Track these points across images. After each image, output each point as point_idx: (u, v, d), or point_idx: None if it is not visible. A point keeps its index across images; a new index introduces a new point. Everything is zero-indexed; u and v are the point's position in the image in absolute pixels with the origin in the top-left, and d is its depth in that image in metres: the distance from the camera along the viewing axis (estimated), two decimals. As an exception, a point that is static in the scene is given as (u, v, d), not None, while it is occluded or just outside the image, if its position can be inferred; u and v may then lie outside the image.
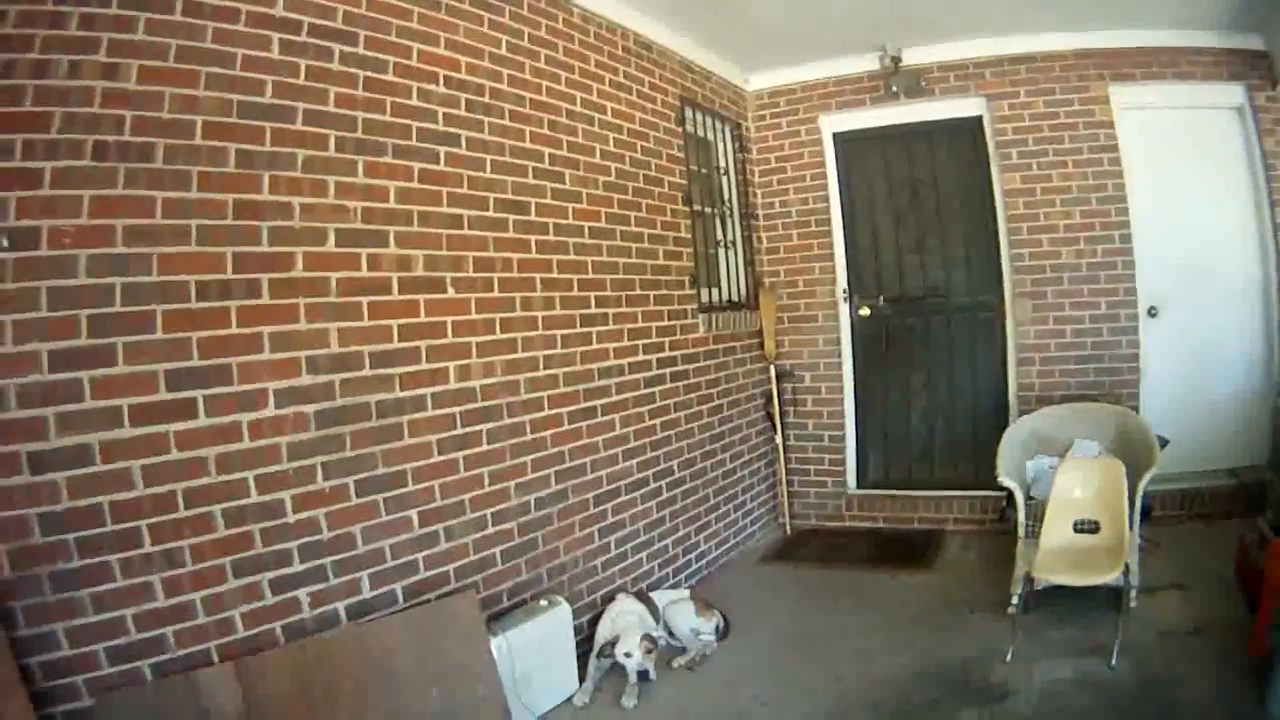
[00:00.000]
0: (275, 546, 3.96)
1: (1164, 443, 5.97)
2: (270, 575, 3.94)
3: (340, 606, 4.22)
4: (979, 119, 7.89)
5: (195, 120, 3.74)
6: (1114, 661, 4.85)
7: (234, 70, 3.88)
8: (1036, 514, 5.83)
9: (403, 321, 4.55)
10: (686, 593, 6.19)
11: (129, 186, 3.54)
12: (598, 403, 5.95)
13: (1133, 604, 5.39)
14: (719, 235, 7.95)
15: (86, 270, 3.41)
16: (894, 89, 7.90)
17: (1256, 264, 7.47)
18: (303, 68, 4.15)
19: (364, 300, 4.36)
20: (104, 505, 3.44)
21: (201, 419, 3.71)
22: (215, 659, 3.74)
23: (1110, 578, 4.99)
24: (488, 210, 5.12)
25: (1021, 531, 5.94)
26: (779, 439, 8.46)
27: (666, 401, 6.75)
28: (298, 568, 4.04)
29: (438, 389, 4.73)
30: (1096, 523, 5.43)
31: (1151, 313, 7.57)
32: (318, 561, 4.12)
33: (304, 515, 4.06)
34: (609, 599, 5.74)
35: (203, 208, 3.75)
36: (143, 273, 3.56)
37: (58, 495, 3.34)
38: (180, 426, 3.65)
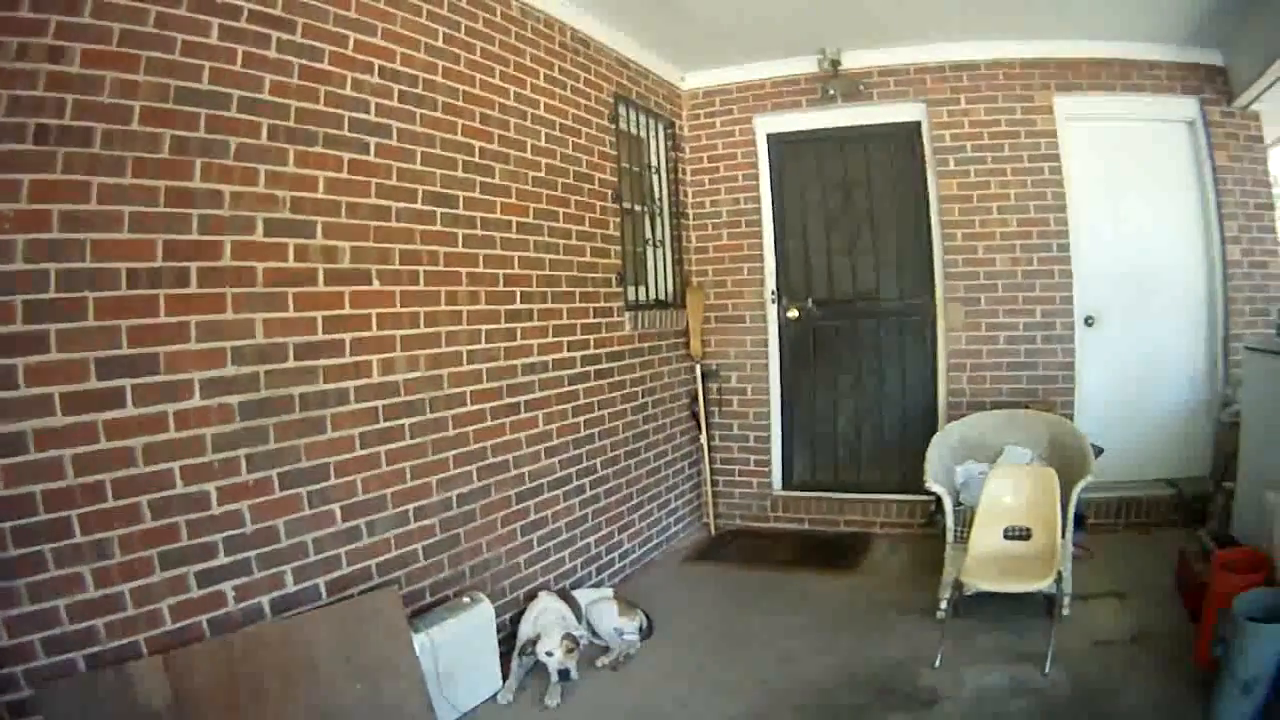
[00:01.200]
0: (201, 539, 4.00)
1: (1098, 451, 6.13)
2: (196, 568, 3.99)
3: (265, 601, 4.28)
4: (917, 124, 8.08)
5: (134, 105, 3.77)
6: (1047, 669, 4.98)
7: (173, 55, 3.92)
8: (965, 519, 5.98)
9: (328, 313, 4.62)
10: (610, 592, 6.32)
11: (67, 171, 3.56)
12: (521, 399, 6.06)
13: (1065, 611, 5.56)
14: (648, 233, 8.08)
15: (23, 255, 3.45)
16: (831, 92, 8.06)
17: (1202, 278, 7.74)
18: (240, 54, 4.20)
19: (290, 291, 4.42)
20: (37, 494, 3.46)
21: (130, 408, 3.75)
22: (144, 651, 3.79)
23: (1042, 585, 5.11)
24: (416, 203, 5.21)
25: (950, 536, 6.07)
26: (704, 438, 8.62)
27: (591, 399, 6.89)
28: (223, 560, 4.09)
29: (361, 382, 4.81)
30: (1028, 529, 5.59)
31: (1089, 322, 7.81)
32: (242, 555, 4.18)
33: (228, 508, 4.12)
34: (531, 597, 5.84)
35: (136, 194, 3.78)
36: (76, 259, 3.58)
37: None
38: (109, 415, 3.68)
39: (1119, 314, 7.87)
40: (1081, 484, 5.62)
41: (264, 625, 4.23)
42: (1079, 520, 6.08)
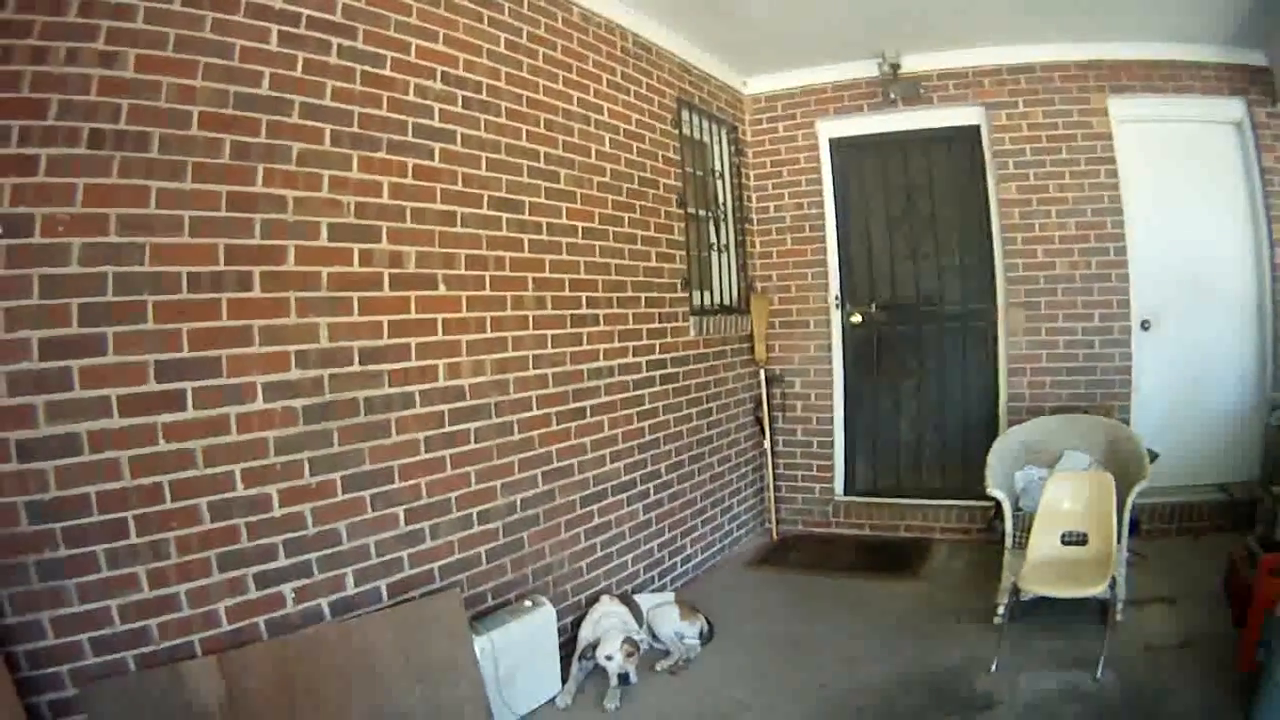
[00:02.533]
0: (260, 541, 3.96)
1: (1154, 456, 5.97)
2: (255, 569, 3.94)
3: (324, 602, 4.23)
4: (976, 128, 7.91)
5: (192, 111, 3.74)
6: (1099, 674, 4.87)
7: (232, 61, 3.88)
8: (1024, 525, 5.82)
9: (393, 318, 4.56)
10: (671, 596, 6.22)
11: (124, 175, 3.53)
12: (586, 404, 5.97)
13: (1119, 617, 5.43)
14: (712, 238, 7.98)
15: (79, 259, 3.41)
16: (892, 96, 7.92)
17: (1252, 279, 7.52)
18: (300, 60, 4.15)
19: (354, 295, 4.37)
20: (91, 495, 3.44)
21: (190, 411, 3.72)
22: (199, 652, 3.74)
23: (1097, 590, 5.00)
24: (481, 208, 5.13)
25: (1009, 542, 5.94)
26: (767, 444, 8.50)
27: (655, 404, 6.77)
28: (283, 562, 4.05)
29: (426, 386, 4.74)
30: (1084, 535, 5.46)
31: (1145, 326, 7.60)
32: (303, 557, 4.13)
33: (290, 510, 4.07)
34: (593, 601, 5.76)
35: (197, 199, 3.75)
36: (135, 262, 3.56)
37: (46, 484, 3.34)
38: (169, 418, 3.65)
39: (1173, 317, 7.68)
40: (1137, 489, 5.53)
41: (323, 627, 4.18)
42: (1134, 525, 5.95)
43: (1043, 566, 5.32)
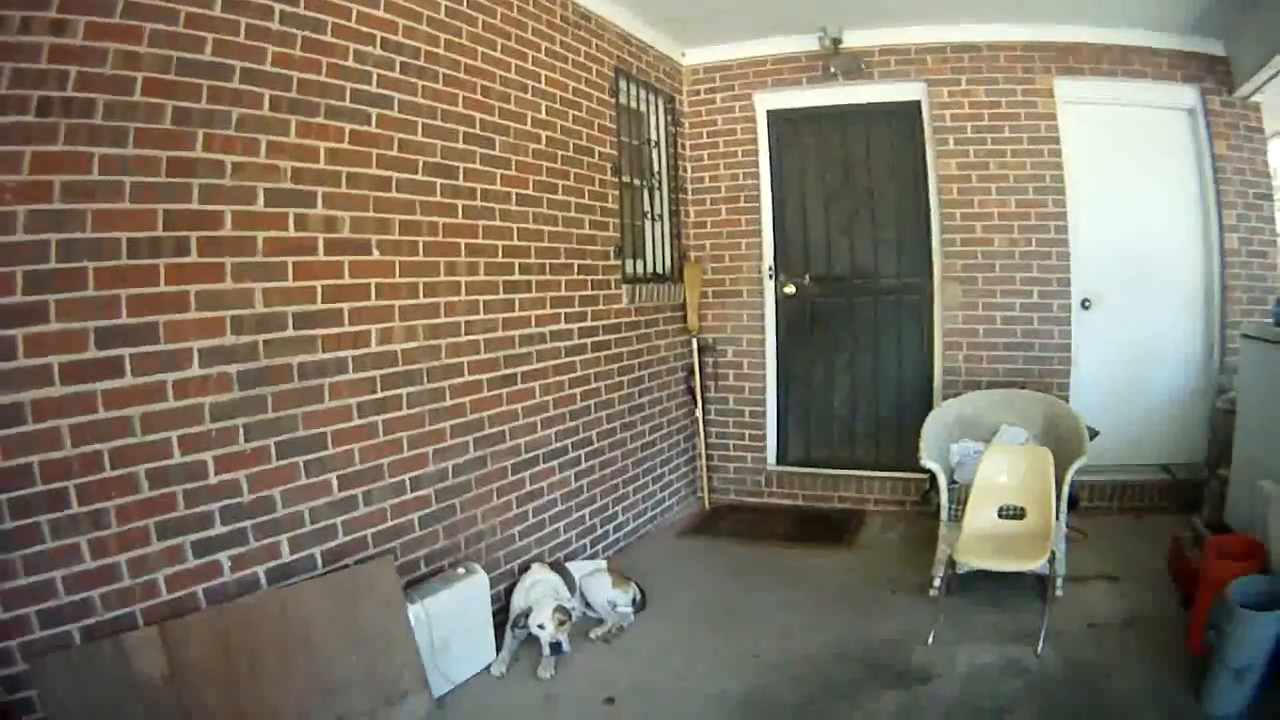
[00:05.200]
0: (197, 509, 4.00)
1: (1094, 434, 6.13)
2: (192, 538, 3.98)
3: (260, 571, 4.28)
4: (917, 103, 8.02)
5: (136, 77, 3.74)
6: (1040, 649, 5.00)
7: (176, 27, 3.87)
8: (960, 497, 5.94)
9: (327, 283, 4.60)
10: (603, 564, 6.29)
11: (69, 142, 3.53)
12: (518, 370, 6.04)
13: (1059, 592, 5.58)
14: (646, 207, 8.03)
15: (24, 226, 3.43)
16: (832, 70, 7.97)
17: (1200, 265, 7.72)
18: (243, 26, 4.15)
19: (289, 260, 4.40)
20: (34, 465, 3.47)
21: (128, 378, 3.74)
22: (140, 622, 3.79)
23: (1035, 565, 5.14)
24: (417, 173, 5.17)
25: (944, 514, 6.03)
26: (699, 412, 8.59)
27: (587, 371, 6.86)
28: (219, 530, 4.09)
29: (359, 352, 4.79)
30: (1022, 509, 5.58)
31: (1085, 304, 7.79)
32: (238, 524, 4.17)
33: (225, 477, 4.11)
34: (525, 568, 5.83)
35: (137, 164, 3.75)
36: (77, 229, 3.57)
37: None
38: (108, 385, 3.67)
39: (1117, 298, 7.84)
40: (1076, 465, 5.61)
41: (260, 595, 4.23)
42: (1072, 502, 6.06)
43: (979, 539, 5.44)
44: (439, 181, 5.34)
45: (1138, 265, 7.81)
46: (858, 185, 8.35)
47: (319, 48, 4.55)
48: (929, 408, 7.45)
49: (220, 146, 4.09)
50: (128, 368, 3.75)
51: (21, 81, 3.42)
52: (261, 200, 4.28)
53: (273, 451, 4.34)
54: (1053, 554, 5.21)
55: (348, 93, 4.72)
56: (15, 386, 3.42)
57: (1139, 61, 7.56)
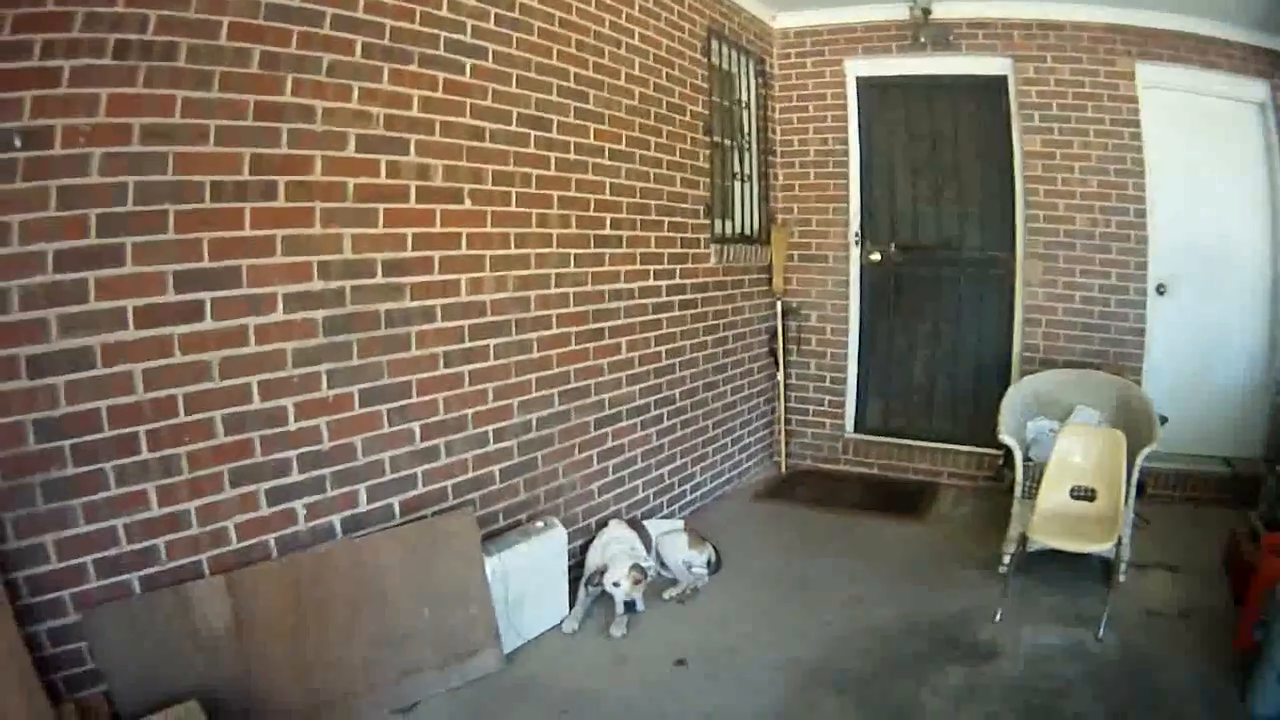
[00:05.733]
0: (274, 455, 3.87)
1: (1163, 420, 5.83)
2: (267, 485, 3.86)
3: (336, 520, 4.13)
4: (1004, 78, 7.65)
5: (222, 21, 3.59)
6: (1101, 634, 4.79)
7: None
8: (1033, 475, 5.73)
9: (418, 230, 4.41)
10: (680, 523, 6.07)
11: (149, 85, 3.38)
12: (605, 325, 5.83)
13: (1122, 578, 5.33)
14: (736, 168, 7.75)
15: (99, 169, 3.26)
16: (921, 40, 7.66)
17: (1267, 258, 7.34)
18: None
19: (380, 207, 4.21)
20: (102, 410, 3.33)
21: (208, 322, 3.60)
22: (206, 572, 3.66)
23: (1104, 548, 4.95)
24: (510, 124, 4.95)
25: (1018, 491, 5.83)
26: (780, 376, 8.34)
27: (673, 329, 6.61)
28: (296, 478, 3.96)
29: (448, 301, 4.60)
30: (1093, 491, 5.33)
31: (1160, 290, 7.43)
32: (316, 472, 4.03)
33: (306, 424, 3.97)
34: (602, 525, 5.66)
35: (224, 108, 3.61)
36: (157, 172, 3.41)
37: (56, 400, 3.22)
38: (185, 329, 3.54)
39: (1189, 286, 7.49)
40: (1147, 451, 5.38)
41: (334, 545, 4.08)
42: (1139, 488, 5.78)
43: (1051, 518, 5.21)
44: (533, 133, 5.12)
45: (1209, 256, 7.46)
46: (944, 156, 8.04)
47: (413, -4, 4.35)
48: (1006, 383, 7.18)
49: (311, 92, 3.92)
50: (208, 311, 3.61)
51: (96, 24, 3.26)
52: (353, 146, 4.10)
53: (356, 399, 4.17)
54: (1119, 539, 5.00)
55: (441, 41, 4.51)
56: (85, 330, 3.27)
57: (1214, 52, 7.16)
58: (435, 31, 4.47)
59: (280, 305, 3.82)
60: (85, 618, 3.30)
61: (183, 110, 3.48)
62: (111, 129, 3.29)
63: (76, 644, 3.32)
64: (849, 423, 8.49)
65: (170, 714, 3.24)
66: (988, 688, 4.36)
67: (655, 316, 6.37)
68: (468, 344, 4.74)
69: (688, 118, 6.73)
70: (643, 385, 6.27)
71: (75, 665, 3.33)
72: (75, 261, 3.22)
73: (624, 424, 6.08)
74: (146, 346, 3.43)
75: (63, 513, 3.26)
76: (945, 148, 8.01)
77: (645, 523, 5.85)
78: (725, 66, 7.49)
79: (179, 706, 3.28)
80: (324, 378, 4.01)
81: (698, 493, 7.14)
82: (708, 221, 7.06)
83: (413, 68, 4.36)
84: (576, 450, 5.63)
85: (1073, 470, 5.41)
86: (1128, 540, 5.40)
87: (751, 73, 7.95)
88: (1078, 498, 5.35)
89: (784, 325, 8.27)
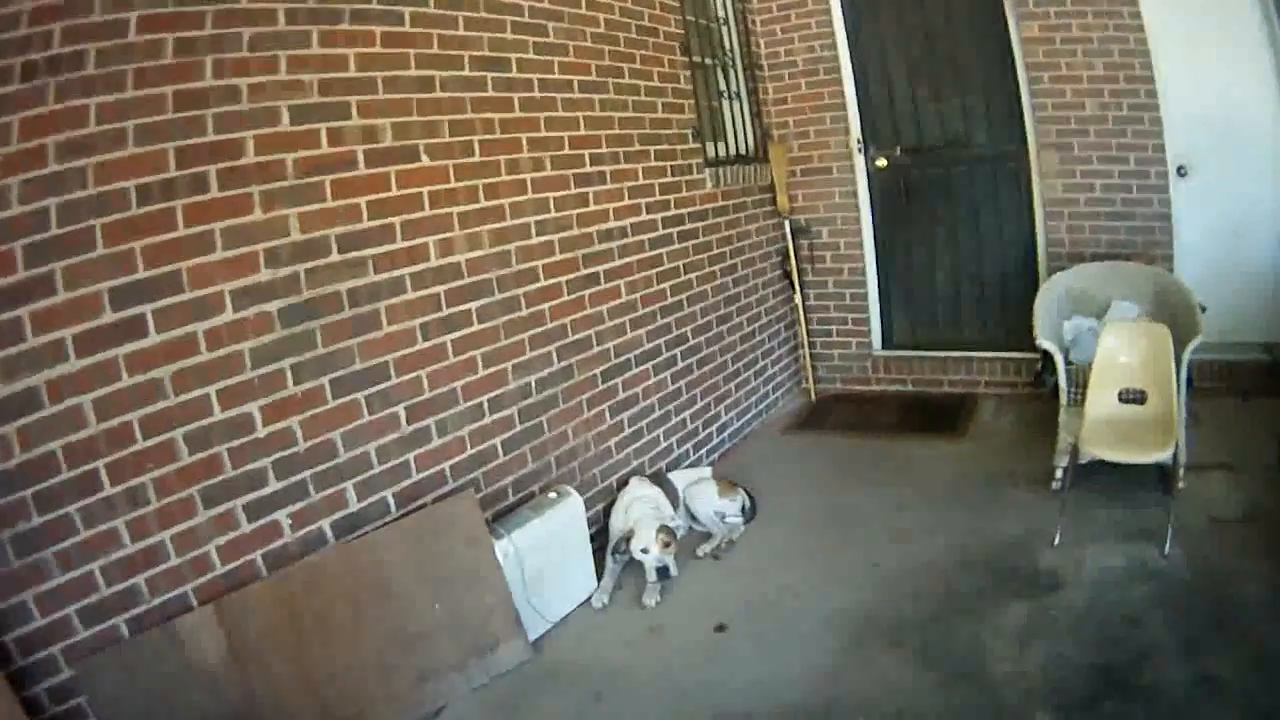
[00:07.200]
0: (247, 467, 3.73)
1: (1203, 309, 5.59)
2: (244, 500, 3.72)
3: (325, 524, 3.99)
4: (992, -38, 7.41)
5: (128, 18, 3.43)
6: (1167, 549, 4.59)
7: None
8: (1077, 379, 5.53)
9: (372, 198, 4.21)
10: (708, 472, 5.92)
11: (60, 100, 3.26)
12: (599, 269, 5.63)
13: (1181, 484, 5.07)
14: (722, 87, 7.56)
15: (19, 198, 3.15)
16: (901, -77, 7.40)
17: (1280, 124, 7.18)
18: None
19: (326, 179, 4.01)
20: (57, 451, 3.22)
21: (152, 336, 3.46)
22: (194, 602, 3.56)
23: (1163, 455, 4.71)
24: (462, 69, 4.72)
25: (1063, 399, 5.61)
26: (798, 299, 8.15)
27: (675, 263, 6.42)
28: (274, 487, 3.82)
29: (417, 268, 4.42)
30: (1143, 392, 5.11)
31: (1181, 172, 7.16)
32: (295, 477, 3.89)
33: (276, 427, 3.82)
34: (624, 484, 5.49)
35: (140, 106, 3.45)
36: (78, 188, 3.29)
37: (10, 450, 3.12)
38: (130, 348, 3.40)
39: (1210, 166, 7.19)
40: (1194, 344, 5.14)
41: (326, 552, 3.93)
42: (1188, 383, 5.54)
43: (1102, 426, 5.00)
44: (489, 75, 4.89)
45: (1226, 131, 7.15)
46: (940, 50, 7.78)
47: (335, -50, 4.15)
48: (1034, 281, 7.05)
49: (233, 70, 3.75)
50: (150, 325, 3.47)
51: (5, 52, 3.15)
52: (287, 119, 3.90)
53: (327, 390, 4.01)
54: (1176, 443, 4.77)
55: None
56: (28, 369, 3.17)
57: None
58: (366, -16, 4.27)
59: (229, 304, 3.66)
60: (79, 672, 3.24)
61: (97, 118, 3.34)
62: (26, 154, 3.18)
63: (77, 699, 3.26)
64: (876, 339, 8.32)
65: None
66: (1054, 622, 4.17)
67: (654, 252, 6.17)
68: (446, 311, 4.55)
69: (662, 39, 6.49)
70: (649, 328, 6.08)
71: (80, 720, 3.25)
72: (6, 301, 3.12)
73: (634, 372, 5.90)
74: (91, 374, 3.30)
75: (37, 566, 3.17)
76: (940, 40, 7.75)
77: (670, 475, 5.71)
78: (695, -16, 7.25)
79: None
80: (288, 374, 3.85)
81: (725, 434, 6.98)
82: (698, 145, 6.84)
83: (345, 26, 4.14)
84: (585, 408, 5.46)
85: (1119, 371, 5.18)
86: (1183, 443, 5.14)
87: (725, -13, 7.70)
88: (1127, 401, 5.13)
89: (795, 245, 8.07)
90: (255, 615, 3.59)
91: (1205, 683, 3.58)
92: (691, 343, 6.57)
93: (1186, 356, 5.11)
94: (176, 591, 3.50)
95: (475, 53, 4.81)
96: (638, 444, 5.90)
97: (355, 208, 4.12)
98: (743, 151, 7.66)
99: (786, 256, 8.03)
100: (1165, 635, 3.93)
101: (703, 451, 6.64)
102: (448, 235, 4.58)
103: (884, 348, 8.32)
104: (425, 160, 4.47)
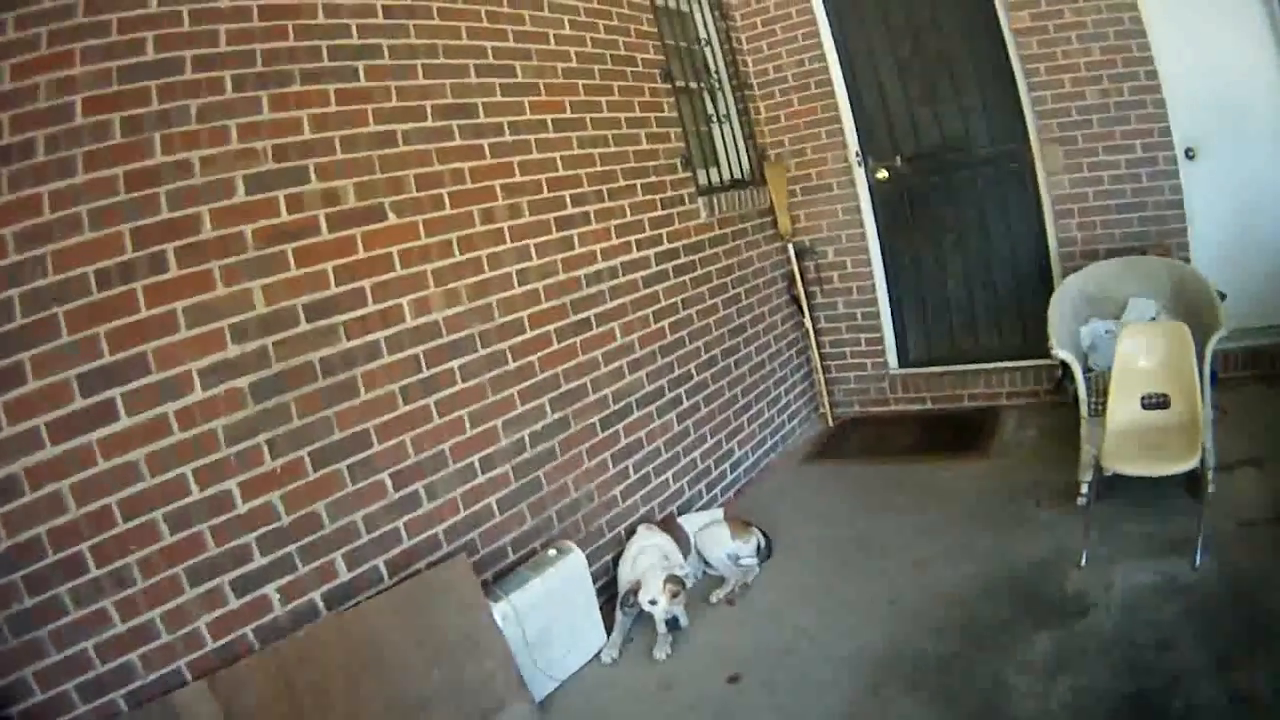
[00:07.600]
0: (230, 544, 3.75)
1: (1223, 297, 5.53)
2: (230, 576, 3.74)
3: (316, 596, 4.00)
4: (976, -49, 7.42)
5: (74, 100, 3.52)
6: (1197, 562, 4.51)
7: (110, 37, 3.64)
8: (1097, 387, 5.49)
9: (338, 262, 4.23)
10: (719, 513, 5.90)
11: (14, 190, 3.36)
12: (590, 313, 5.63)
13: (1210, 488, 4.95)
14: (710, 110, 7.56)
15: None
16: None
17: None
18: (185, 14, 3.86)
19: (288, 247, 4.04)
20: (42, 535, 3.30)
21: (124, 420, 3.52)
22: (188, 677, 3.58)
23: (1188, 466, 4.60)
24: (425, 120, 4.75)
25: (1084, 410, 5.55)
26: (808, 322, 8.14)
27: (673, 300, 6.41)
28: (259, 562, 3.83)
29: (392, 330, 4.43)
30: (1166, 396, 5.04)
31: (1189, 155, 7.11)
32: (281, 551, 3.90)
33: (256, 503, 3.83)
34: (632, 533, 5.46)
35: (91, 190, 3.53)
36: (38, 277, 3.38)
37: None
38: (103, 433, 3.46)
39: (1219, 147, 7.13)
40: (1215, 338, 5.05)
41: (318, 624, 3.94)
42: (1212, 377, 5.44)
43: (1124, 438, 4.92)
44: (455, 123, 4.92)
45: (1228, 108, 7.09)
46: (930, 50, 7.78)
47: (280, 13, 4.20)
48: (1048, 284, 7.01)
49: (183, 144, 3.80)
50: (120, 409, 3.53)
51: None
52: (242, 190, 3.95)
53: (307, 463, 4.02)
54: (1203, 447, 4.68)
55: (324, 51, 4.35)
56: (6, 458, 3.26)
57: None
58: (315, 43, 4.30)
59: (197, 383, 3.70)
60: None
61: (51, 204, 3.42)
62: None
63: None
64: (892, 358, 8.29)
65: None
66: (1081, 651, 4.09)
67: (648, 290, 6.17)
68: (426, 372, 4.56)
69: (640, 67, 6.51)
70: (649, 369, 6.07)
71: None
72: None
73: (636, 416, 5.89)
74: (67, 461, 3.36)
75: (34, 644, 3.25)
76: (930, 41, 7.74)
77: (681, 519, 5.71)
78: (673, 5, 7.30)
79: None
80: (265, 449, 3.87)
81: (740, 469, 6.96)
82: (688, 174, 6.84)
83: (296, 88, 4.19)
84: (585, 458, 5.45)
85: (1139, 377, 5.12)
86: (1211, 444, 5.05)
87: (706, 7, 7.72)
88: (1150, 407, 5.06)
89: (800, 267, 8.07)
90: (250, 689, 3.62)
91: (1239, 702, 3.53)
92: (696, 379, 6.55)
93: (1209, 352, 5.04)
94: (170, 667, 3.53)
95: (438, 101, 4.84)
96: (645, 490, 5.89)
97: (321, 274, 4.15)
98: (738, 176, 7.66)
99: (793, 280, 8.04)
100: (1197, 654, 3.86)
101: (717, 490, 6.62)
102: (423, 294, 4.59)
103: (900, 366, 8.29)
104: (392, 218, 4.49)
